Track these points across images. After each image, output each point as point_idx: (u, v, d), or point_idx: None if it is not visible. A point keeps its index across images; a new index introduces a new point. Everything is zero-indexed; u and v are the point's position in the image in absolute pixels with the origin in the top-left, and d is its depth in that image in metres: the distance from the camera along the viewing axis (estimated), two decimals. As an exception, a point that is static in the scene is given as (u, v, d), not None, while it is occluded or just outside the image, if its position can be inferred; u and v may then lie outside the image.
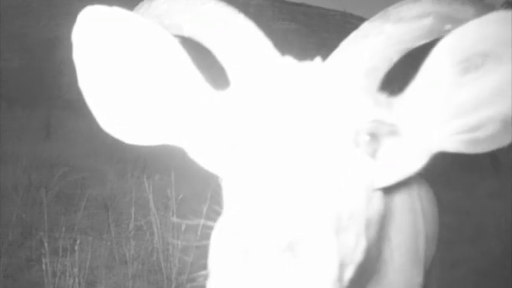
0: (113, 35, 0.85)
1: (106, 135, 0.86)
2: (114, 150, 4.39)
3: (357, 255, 0.76)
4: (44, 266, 2.55)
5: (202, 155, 0.88)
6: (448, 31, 0.80)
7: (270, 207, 0.67)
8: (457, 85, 0.79)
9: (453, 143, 0.81)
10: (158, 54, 0.86)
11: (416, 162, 0.84)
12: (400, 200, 1.10)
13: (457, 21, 0.81)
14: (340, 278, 0.70)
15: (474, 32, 0.77)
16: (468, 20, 0.80)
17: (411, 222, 1.16)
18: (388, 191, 0.95)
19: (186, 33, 0.88)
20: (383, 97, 0.84)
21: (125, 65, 0.87)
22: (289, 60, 0.84)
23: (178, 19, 0.89)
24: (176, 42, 0.86)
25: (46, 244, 2.53)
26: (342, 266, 0.71)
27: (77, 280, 2.55)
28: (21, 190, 3.64)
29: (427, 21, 0.81)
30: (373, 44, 0.82)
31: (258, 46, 0.86)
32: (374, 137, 0.80)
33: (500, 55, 0.76)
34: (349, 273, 0.75)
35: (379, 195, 0.86)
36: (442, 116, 0.81)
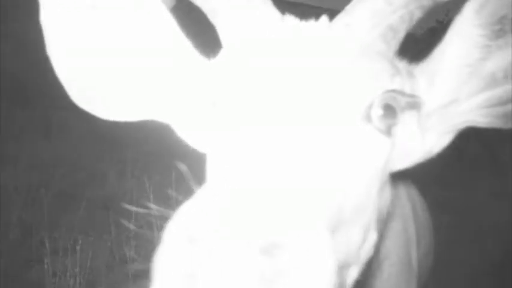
0: None
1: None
2: (114, 150, 4.39)
3: (364, 252, 0.66)
4: (44, 266, 2.55)
5: (189, 129, 0.77)
6: None
7: (247, 197, 0.51)
8: (488, 51, 0.70)
9: (484, 117, 0.71)
10: (139, 17, 0.76)
11: (441, 140, 0.75)
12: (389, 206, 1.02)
13: None
14: (341, 284, 0.58)
15: None
16: None
17: (401, 229, 1.07)
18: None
19: None
20: (402, 64, 0.74)
21: (100, 29, 0.77)
22: (290, 19, 0.73)
23: None
24: (161, 5, 0.76)
25: (47, 244, 2.54)
26: (343, 268, 0.59)
27: (77, 280, 2.55)
28: (21, 190, 3.63)
29: None
30: (385, 2, 0.69)
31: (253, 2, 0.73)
32: (390, 110, 0.67)
33: None
34: (353, 274, 0.65)
35: (389, 185, 0.75)
36: (472, 86, 0.72)
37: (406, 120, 0.70)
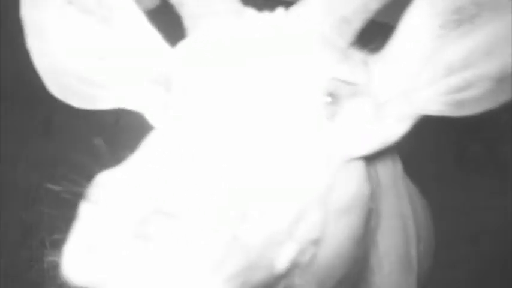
0: None
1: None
2: (114, 150, 4.39)
3: (300, 231, 0.66)
4: (44, 266, 2.54)
5: (152, 115, 0.82)
6: None
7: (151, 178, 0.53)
8: (445, 40, 0.70)
9: (437, 105, 0.73)
10: (108, 10, 0.82)
11: (399, 128, 0.76)
12: (388, 203, 1.01)
13: None
14: (273, 260, 0.61)
15: None
16: None
17: (401, 228, 1.08)
18: (374, 193, 0.88)
19: None
20: (357, 54, 0.76)
21: (75, 24, 0.83)
22: (249, 11, 0.76)
23: None
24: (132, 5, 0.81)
25: (47, 244, 2.53)
26: (272, 245, 0.61)
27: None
28: (21, 190, 3.63)
29: None
30: None
31: None
32: (334, 97, 0.70)
33: (497, 5, 0.66)
34: (288, 251, 0.64)
35: (357, 172, 0.76)
36: (429, 74, 0.73)
37: (353, 107, 0.72)
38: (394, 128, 0.76)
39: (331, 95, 0.70)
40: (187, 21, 0.79)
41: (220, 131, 0.63)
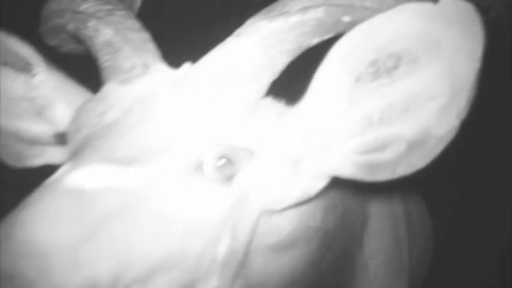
0: None
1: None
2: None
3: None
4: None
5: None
6: (352, 24, 0.64)
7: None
8: (362, 93, 0.66)
9: (351, 166, 0.68)
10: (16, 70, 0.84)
11: (318, 183, 0.72)
12: (377, 205, 0.99)
13: (364, 11, 0.64)
14: None
15: (381, 29, 0.62)
16: (377, 9, 0.64)
17: (390, 230, 1.06)
18: (362, 194, 0.89)
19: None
20: (272, 107, 0.72)
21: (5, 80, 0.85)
22: (159, 67, 0.72)
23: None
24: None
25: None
26: None
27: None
28: (22, 190, 3.63)
29: (317, 14, 0.64)
30: (243, 45, 0.66)
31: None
32: (228, 160, 0.66)
33: (416, 57, 0.62)
34: None
35: (293, 214, 0.74)
36: (344, 130, 0.68)
37: (252, 169, 0.69)
38: (312, 183, 0.72)
39: (224, 157, 0.66)
40: (102, 73, 0.77)
41: (105, 199, 0.60)
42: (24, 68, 0.85)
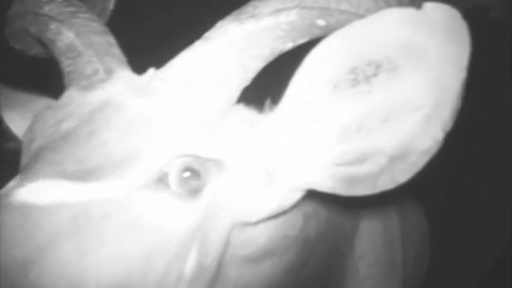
0: None
1: None
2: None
3: None
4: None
5: None
6: (327, 28, 0.61)
7: None
8: (339, 100, 0.62)
9: (326, 179, 0.64)
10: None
11: (293, 195, 0.68)
12: (368, 206, 0.96)
13: (340, 15, 0.61)
14: None
15: (360, 36, 0.58)
16: (355, 12, 0.60)
17: (382, 230, 1.03)
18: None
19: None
20: (244, 115, 0.68)
21: None
22: (123, 73, 0.68)
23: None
24: None
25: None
26: None
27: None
28: None
29: (290, 17, 0.60)
30: (211, 50, 0.62)
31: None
32: (194, 173, 0.62)
33: (397, 65, 0.58)
34: None
35: (269, 225, 0.71)
36: (321, 141, 0.64)
37: (222, 181, 0.65)
38: (287, 195, 0.69)
39: (189, 170, 0.62)
40: (64, 78, 0.73)
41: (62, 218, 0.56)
42: None
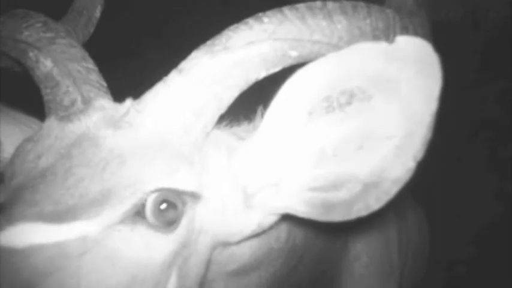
0: None
1: None
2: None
3: None
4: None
5: None
6: (300, 58, 0.63)
7: None
8: (314, 127, 0.64)
9: (302, 204, 0.65)
10: None
11: (270, 218, 0.70)
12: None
13: (313, 45, 0.62)
14: None
15: (334, 67, 0.59)
16: (328, 42, 0.62)
17: (377, 231, 1.05)
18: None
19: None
20: (224, 141, 0.71)
21: None
22: (101, 102, 0.70)
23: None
24: None
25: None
26: None
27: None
28: None
29: (262, 49, 0.62)
30: (185, 82, 0.64)
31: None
32: (171, 205, 0.63)
33: (370, 95, 0.60)
34: None
35: (253, 242, 0.74)
36: (296, 166, 0.66)
37: (215, 203, 0.67)
38: (266, 217, 0.71)
39: (166, 202, 0.63)
40: (44, 106, 0.75)
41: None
42: None
